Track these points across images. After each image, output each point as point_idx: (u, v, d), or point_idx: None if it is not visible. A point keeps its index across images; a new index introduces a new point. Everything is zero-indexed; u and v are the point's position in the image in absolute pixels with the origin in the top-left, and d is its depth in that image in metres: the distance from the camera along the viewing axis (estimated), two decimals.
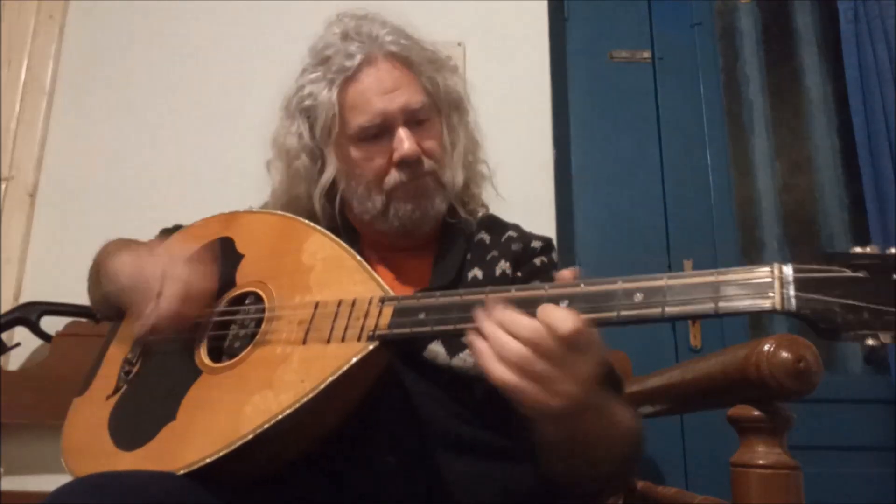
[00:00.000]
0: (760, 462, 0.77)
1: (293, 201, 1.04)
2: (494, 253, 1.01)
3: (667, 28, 2.03)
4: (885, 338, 0.54)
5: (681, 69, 2.00)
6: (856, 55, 1.91)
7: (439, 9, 1.80)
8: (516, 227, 1.07)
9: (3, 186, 1.74)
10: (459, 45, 1.79)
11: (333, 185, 1.03)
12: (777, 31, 2.14)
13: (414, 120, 0.97)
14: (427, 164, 0.97)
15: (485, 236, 1.04)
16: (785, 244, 2.01)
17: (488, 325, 0.65)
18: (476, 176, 1.10)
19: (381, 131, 0.96)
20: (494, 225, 1.07)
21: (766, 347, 0.76)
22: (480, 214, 1.10)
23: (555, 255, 1.05)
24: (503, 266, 0.98)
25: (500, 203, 1.16)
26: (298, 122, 1.02)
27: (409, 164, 0.95)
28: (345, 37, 1.00)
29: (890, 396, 1.72)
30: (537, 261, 1.01)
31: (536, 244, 1.03)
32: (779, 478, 0.76)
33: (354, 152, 0.98)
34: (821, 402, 1.69)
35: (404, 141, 0.95)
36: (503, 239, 1.03)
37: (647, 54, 2.00)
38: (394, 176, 0.96)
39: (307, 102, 1.00)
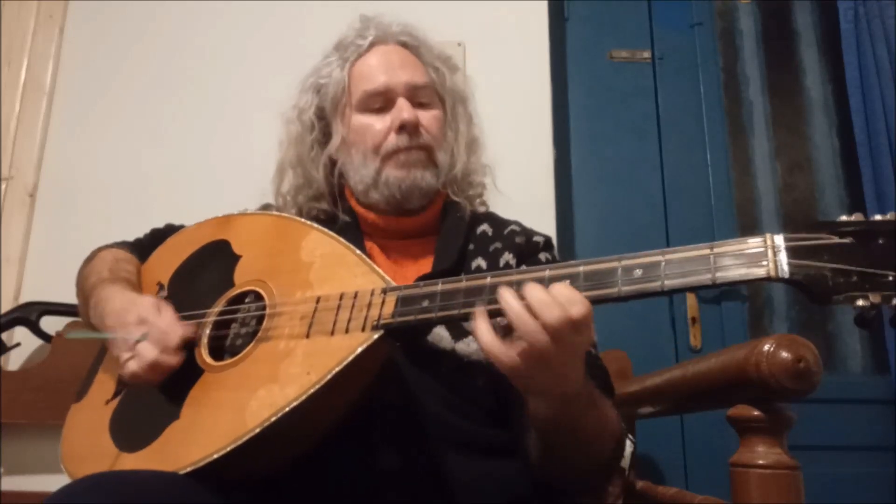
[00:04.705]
0: (760, 462, 0.77)
1: (293, 169, 1.09)
2: (498, 245, 1.02)
3: (667, 28, 2.03)
4: (875, 298, 0.57)
5: (681, 69, 2.00)
6: (856, 55, 1.90)
7: (439, 9, 1.80)
8: (517, 223, 1.09)
9: (3, 186, 1.74)
10: (459, 45, 1.79)
11: (335, 164, 1.07)
12: (777, 31, 2.14)
13: (416, 100, 1.03)
14: (425, 136, 1.02)
15: (487, 228, 1.06)
16: None
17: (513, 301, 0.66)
18: (476, 171, 1.13)
19: (384, 103, 1.02)
20: (495, 219, 1.10)
21: (766, 347, 0.75)
22: (481, 210, 1.12)
23: (556, 253, 1.08)
24: (507, 258, 1.00)
25: (502, 201, 1.16)
26: (308, 97, 1.09)
27: (407, 130, 1.00)
28: (362, 27, 1.08)
29: (890, 396, 1.72)
30: (542, 256, 1.03)
31: (539, 239, 1.06)
32: (779, 478, 0.76)
33: (358, 120, 1.03)
34: (821, 402, 1.69)
35: (404, 108, 1.00)
36: (506, 232, 1.05)
37: (647, 54, 2.00)
38: (392, 140, 1.00)
39: (322, 81, 1.07)
